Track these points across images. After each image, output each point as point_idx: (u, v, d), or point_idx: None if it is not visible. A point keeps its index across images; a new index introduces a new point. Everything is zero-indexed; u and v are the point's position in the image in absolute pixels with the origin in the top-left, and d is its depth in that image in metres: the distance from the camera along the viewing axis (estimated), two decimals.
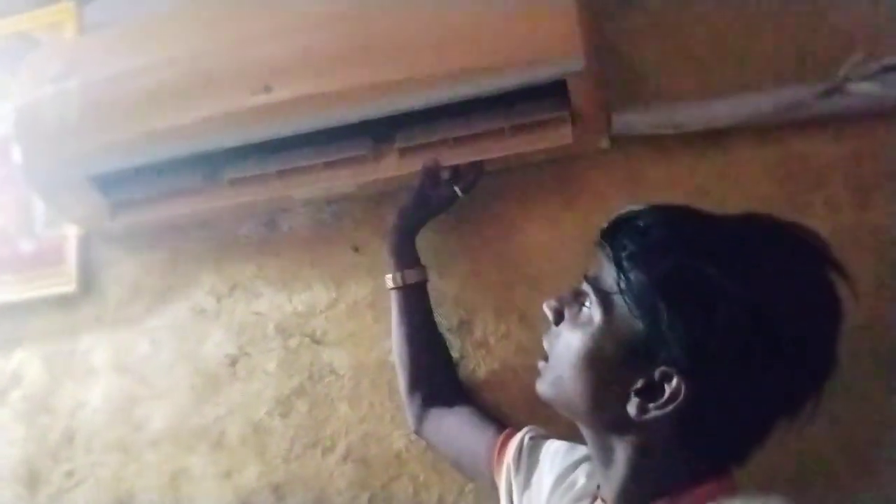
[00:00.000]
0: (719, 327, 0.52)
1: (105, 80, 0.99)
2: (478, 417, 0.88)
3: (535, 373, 0.66)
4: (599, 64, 0.91)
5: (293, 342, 1.06)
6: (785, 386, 0.55)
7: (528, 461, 0.78)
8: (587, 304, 0.60)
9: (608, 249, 0.59)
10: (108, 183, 1.06)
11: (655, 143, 0.96)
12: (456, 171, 0.94)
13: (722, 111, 0.93)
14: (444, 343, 0.96)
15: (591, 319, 0.59)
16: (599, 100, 0.91)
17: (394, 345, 0.95)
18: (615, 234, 0.59)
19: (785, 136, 0.92)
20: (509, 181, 1.01)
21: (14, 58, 1.27)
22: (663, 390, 0.55)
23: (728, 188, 0.93)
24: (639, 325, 0.55)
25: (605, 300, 0.58)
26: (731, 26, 0.95)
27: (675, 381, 0.54)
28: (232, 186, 1.04)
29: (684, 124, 0.94)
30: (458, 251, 1.01)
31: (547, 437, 0.80)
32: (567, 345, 0.60)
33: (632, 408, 0.56)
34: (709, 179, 0.94)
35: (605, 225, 0.61)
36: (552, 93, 0.89)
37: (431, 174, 0.93)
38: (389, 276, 0.94)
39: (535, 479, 0.76)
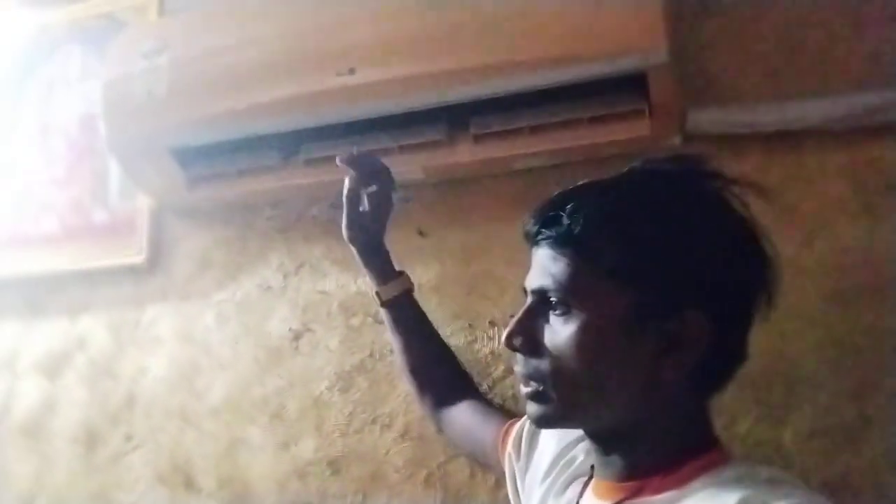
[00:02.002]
0: (692, 262, 0.57)
1: (195, 56, 1.03)
2: (482, 413, 0.89)
3: None
4: (677, 62, 0.93)
5: (356, 321, 1.09)
6: (750, 294, 0.59)
7: (527, 446, 0.78)
8: (557, 311, 0.58)
9: (553, 246, 0.59)
10: (188, 157, 1.10)
11: (726, 141, 0.96)
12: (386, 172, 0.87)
13: (795, 114, 0.94)
14: (442, 343, 0.94)
15: (576, 320, 0.57)
16: (677, 95, 0.93)
17: (395, 354, 0.95)
18: (548, 232, 0.60)
19: (857, 140, 0.92)
20: (576, 174, 1.02)
21: (98, 38, 1.33)
22: (680, 341, 0.56)
23: (800, 189, 0.93)
24: (622, 298, 0.56)
25: (575, 295, 0.58)
26: (807, 30, 0.96)
27: (692, 320, 0.56)
28: (308, 166, 1.07)
29: (757, 125, 0.95)
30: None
31: None
32: (570, 357, 0.57)
33: (667, 372, 0.57)
34: (780, 180, 0.94)
35: (529, 228, 0.62)
36: (629, 85, 0.91)
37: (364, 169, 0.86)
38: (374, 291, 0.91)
39: (534, 459, 0.76)
